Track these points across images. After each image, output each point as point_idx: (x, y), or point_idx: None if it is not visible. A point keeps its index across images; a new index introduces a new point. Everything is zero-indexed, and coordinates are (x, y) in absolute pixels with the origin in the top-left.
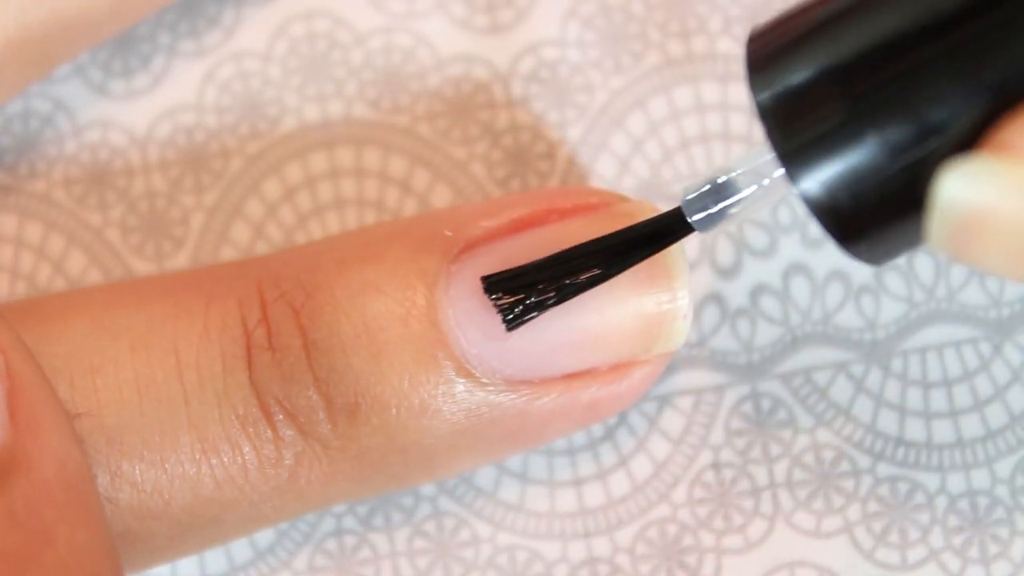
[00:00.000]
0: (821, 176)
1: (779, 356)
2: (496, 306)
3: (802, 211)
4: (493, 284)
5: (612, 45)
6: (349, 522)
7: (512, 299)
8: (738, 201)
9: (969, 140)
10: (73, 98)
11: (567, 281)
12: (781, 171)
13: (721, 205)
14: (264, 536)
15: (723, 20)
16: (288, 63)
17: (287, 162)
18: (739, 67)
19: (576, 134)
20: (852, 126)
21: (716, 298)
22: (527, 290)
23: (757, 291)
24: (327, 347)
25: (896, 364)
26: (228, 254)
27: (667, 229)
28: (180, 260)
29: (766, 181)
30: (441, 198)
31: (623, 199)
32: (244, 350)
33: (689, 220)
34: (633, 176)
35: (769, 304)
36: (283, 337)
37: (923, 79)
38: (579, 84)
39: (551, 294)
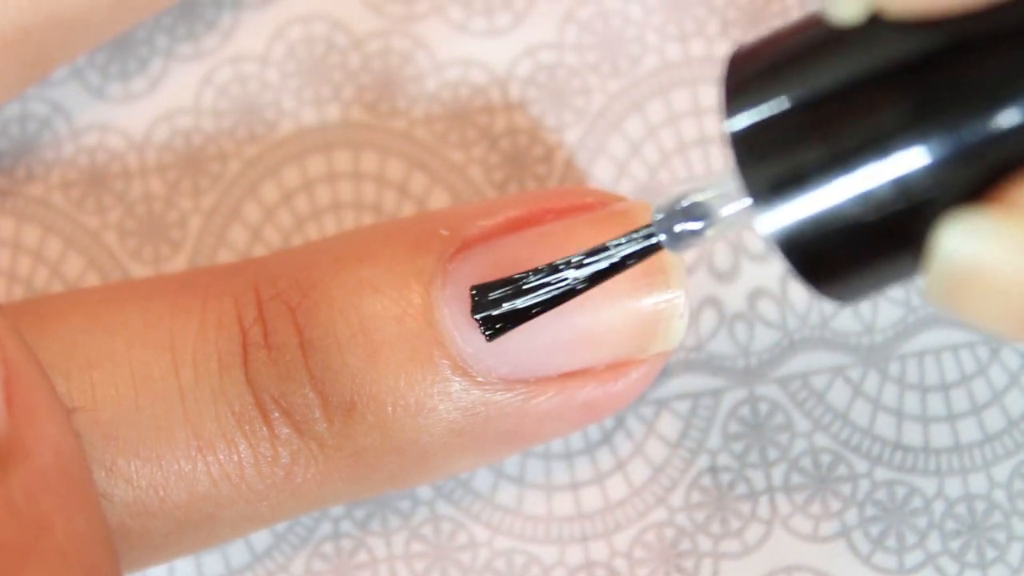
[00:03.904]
0: (791, 220)
1: (777, 360)
2: (477, 320)
3: None
4: (476, 295)
5: (610, 48)
6: (346, 526)
7: (488, 313)
8: (709, 224)
9: (955, 196)
10: (70, 101)
11: (540, 295)
12: (749, 204)
13: (691, 227)
14: (261, 539)
15: (721, 23)
16: (286, 66)
17: (285, 165)
18: None
19: (574, 137)
20: (827, 172)
21: (714, 302)
22: (503, 303)
23: (755, 295)
24: (323, 345)
25: (894, 368)
26: (226, 257)
27: (640, 248)
28: (178, 263)
29: (737, 208)
30: (439, 201)
31: (619, 199)
32: (240, 348)
33: (659, 241)
34: (631, 179)
35: (767, 308)
36: (279, 335)
37: (905, 133)
38: (577, 87)
39: (526, 307)
